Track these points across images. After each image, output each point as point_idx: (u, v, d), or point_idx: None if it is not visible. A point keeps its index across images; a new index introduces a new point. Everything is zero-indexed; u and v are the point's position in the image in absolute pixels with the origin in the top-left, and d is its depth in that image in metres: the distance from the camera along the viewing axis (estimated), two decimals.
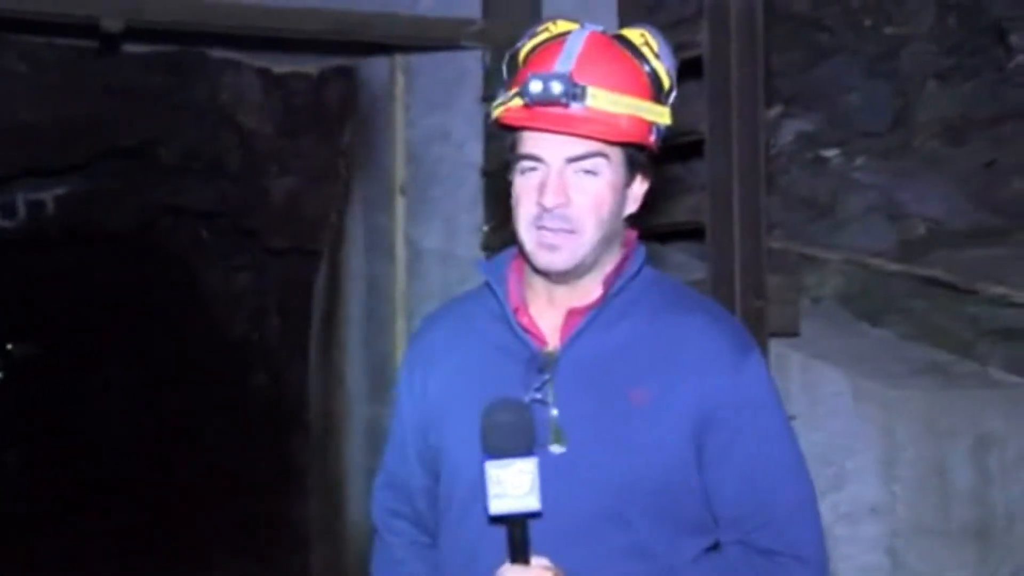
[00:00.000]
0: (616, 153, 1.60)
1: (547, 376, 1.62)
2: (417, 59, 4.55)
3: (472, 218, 4.22)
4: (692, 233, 3.47)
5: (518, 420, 1.55)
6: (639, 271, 1.68)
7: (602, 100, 1.56)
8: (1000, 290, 3.55)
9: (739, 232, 3.11)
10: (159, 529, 8.93)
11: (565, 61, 1.58)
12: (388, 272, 4.75)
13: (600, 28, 1.65)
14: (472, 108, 4.17)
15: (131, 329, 10.76)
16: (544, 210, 1.59)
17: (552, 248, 1.60)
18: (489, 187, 4.05)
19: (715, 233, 3.15)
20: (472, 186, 4.22)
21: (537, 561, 1.55)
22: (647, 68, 1.61)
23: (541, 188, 1.59)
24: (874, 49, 4.63)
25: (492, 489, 1.52)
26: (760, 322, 3.10)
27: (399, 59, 4.65)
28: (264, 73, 5.24)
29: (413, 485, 1.81)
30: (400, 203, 4.68)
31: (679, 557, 1.62)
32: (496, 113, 1.62)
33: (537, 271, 1.66)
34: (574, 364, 1.63)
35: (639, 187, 1.67)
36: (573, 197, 1.59)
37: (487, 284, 1.73)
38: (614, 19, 4.28)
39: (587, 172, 1.59)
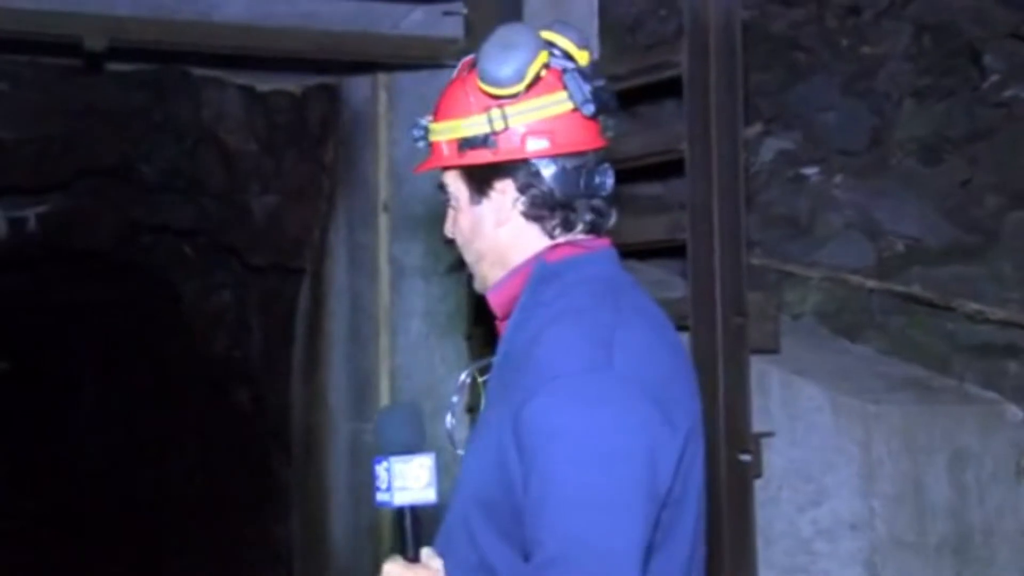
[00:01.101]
0: (452, 178, 1.67)
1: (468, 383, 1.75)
2: (400, 77, 4.58)
3: None
4: (672, 251, 3.51)
5: (409, 420, 1.63)
6: (538, 281, 1.61)
7: (436, 132, 1.66)
8: (976, 307, 3.59)
9: (719, 249, 3.15)
10: (140, 548, 8.88)
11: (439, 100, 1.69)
12: (371, 289, 4.77)
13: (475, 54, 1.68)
14: None
15: (112, 347, 10.71)
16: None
17: (472, 276, 1.72)
18: None
19: (695, 250, 3.18)
20: None
21: (428, 559, 1.58)
22: (477, 80, 1.61)
23: None
24: (851, 69, 4.68)
25: (396, 482, 1.58)
26: (740, 339, 3.13)
27: (382, 77, 4.68)
28: (247, 91, 5.26)
29: None
30: (383, 220, 4.70)
31: None
32: None
33: None
34: (494, 373, 1.66)
35: (501, 197, 1.62)
36: (449, 226, 1.71)
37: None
38: (594, 39, 4.32)
39: (447, 202, 1.70)
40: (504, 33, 1.63)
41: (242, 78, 5.18)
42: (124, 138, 5.29)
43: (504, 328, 1.67)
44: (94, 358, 11.88)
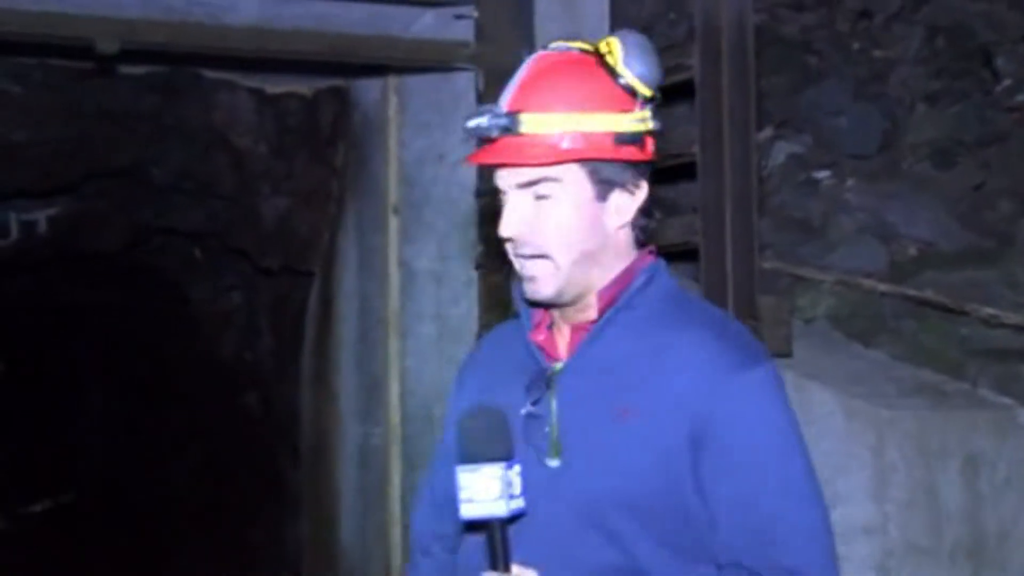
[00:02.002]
0: (570, 171, 1.57)
1: (547, 390, 1.61)
2: (411, 80, 4.58)
3: (465, 239, 4.23)
4: (685, 254, 3.50)
5: (490, 426, 1.55)
6: (646, 285, 1.63)
7: (535, 124, 1.55)
8: (990, 311, 3.58)
9: (731, 253, 3.14)
10: (148, 550, 8.89)
11: (507, 91, 1.60)
12: (381, 292, 4.76)
13: (564, 47, 1.64)
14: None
15: (121, 349, 10.74)
16: (508, 240, 1.61)
17: (531, 279, 1.61)
18: (482, 208, 4.07)
19: (707, 254, 3.17)
20: (465, 207, 4.23)
21: (520, 571, 1.53)
22: (622, 80, 1.58)
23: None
24: (863, 72, 4.67)
25: (461, 494, 1.53)
26: None
27: (393, 80, 4.67)
28: (257, 93, 5.26)
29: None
30: (393, 223, 4.69)
31: None
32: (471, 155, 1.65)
33: None
34: (574, 379, 1.61)
35: (621, 198, 1.61)
36: (534, 224, 1.58)
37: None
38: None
39: (540, 197, 1.58)
40: (633, 35, 1.63)
41: (252, 80, 5.18)
42: (134, 140, 5.30)
43: (586, 330, 1.63)
44: (103, 360, 11.90)
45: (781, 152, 4.50)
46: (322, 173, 5.30)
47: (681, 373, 1.56)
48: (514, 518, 1.54)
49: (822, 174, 4.38)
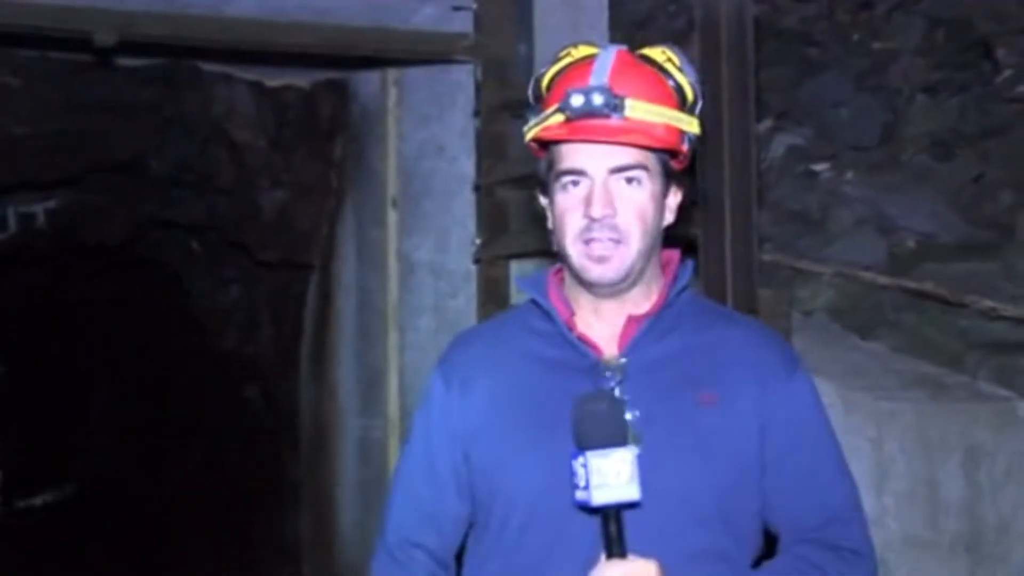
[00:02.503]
0: (654, 163, 1.65)
1: (615, 381, 1.65)
2: (410, 73, 4.57)
3: (464, 232, 4.23)
4: (684, 246, 3.49)
5: (612, 409, 1.56)
6: (687, 284, 1.73)
7: (639, 110, 1.60)
8: (989, 303, 3.58)
9: (730, 245, 3.13)
10: (148, 543, 8.90)
11: (599, 76, 1.62)
12: (380, 285, 4.76)
13: (624, 47, 1.70)
14: (464, 122, 4.18)
15: (121, 342, 10.73)
16: (592, 221, 1.62)
17: (601, 260, 1.64)
18: (481, 201, 4.07)
19: (707, 246, 3.17)
20: (464, 200, 4.23)
21: (635, 558, 1.53)
22: (672, 82, 1.66)
23: (587, 200, 1.63)
24: (863, 64, 4.66)
25: (594, 479, 1.50)
26: None
27: (391, 73, 4.66)
28: (256, 86, 5.25)
29: (443, 510, 1.77)
30: (392, 216, 4.69)
31: (742, 563, 1.67)
32: (534, 132, 1.66)
33: (584, 284, 1.68)
34: (639, 369, 1.66)
35: (673, 198, 1.71)
36: (618, 207, 1.63)
37: (532, 301, 1.74)
38: (604, 34, 4.31)
39: (630, 182, 1.64)
40: (677, 49, 1.72)
41: (251, 73, 5.18)
42: (134, 133, 5.29)
43: (640, 323, 1.68)
44: (103, 353, 11.90)
45: (781, 144, 4.49)
46: (321, 166, 5.29)
47: (747, 369, 1.68)
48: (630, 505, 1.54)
49: (822, 166, 4.37)
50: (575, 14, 4.05)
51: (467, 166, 4.18)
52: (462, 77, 4.14)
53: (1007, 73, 4.48)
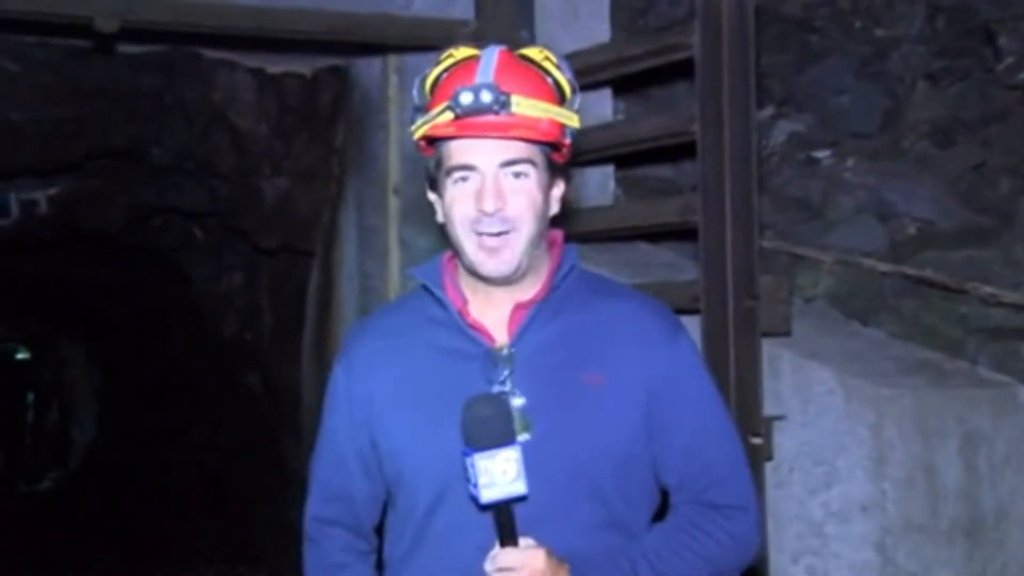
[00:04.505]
0: (539, 157, 1.73)
1: (507, 370, 1.73)
2: (411, 59, 4.57)
3: None
4: (684, 233, 3.50)
5: (498, 412, 1.63)
6: (572, 268, 1.81)
7: (525, 106, 1.67)
8: (989, 290, 3.58)
9: (731, 232, 3.14)
10: (149, 531, 8.92)
11: (485, 74, 1.69)
12: (381, 272, 4.76)
13: (504, 48, 1.76)
14: None
15: (121, 329, 10.75)
16: (484, 214, 1.69)
17: (492, 252, 1.71)
18: None
19: (707, 233, 3.17)
20: None
21: (525, 542, 1.64)
22: (550, 79, 1.75)
23: (479, 195, 1.70)
24: (864, 51, 4.65)
25: (481, 479, 1.60)
26: (752, 322, 3.13)
27: (393, 59, 4.66)
28: (257, 73, 5.25)
29: (354, 493, 1.88)
30: (393, 203, 4.69)
31: (639, 526, 1.78)
32: (423, 131, 1.74)
33: (478, 276, 1.76)
34: (528, 355, 1.75)
35: (558, 190, 1.79)
36: (509, 199, 1.70)
37: (425, 289, 1.82)
38: (606, 21, 4.30)
39: (517, 176, 1.71)
40: (549, 49, 1.80)
41: (252, 60, 5.17)
42: (135, 120, 5.29)
43: (527, 309, 1.77)
44: (103, 340, 11.92)
45: (782, 131, 4.49)
46: (322, 153, 5.29)
47: (629, 342, 1.77)
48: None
49: (822, 153, 4.37)
50: (575, 0, 4.05)
51: None
52: None
53: (1008, 60, 4.46)
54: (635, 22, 4.77)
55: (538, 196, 1.73)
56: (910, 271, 3.74)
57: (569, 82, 1.76)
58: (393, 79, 4.68)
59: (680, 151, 3.58)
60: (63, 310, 11.67)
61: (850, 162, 4.31)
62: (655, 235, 3.85)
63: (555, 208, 1.79)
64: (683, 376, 1.79)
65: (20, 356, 16.54)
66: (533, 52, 1.77)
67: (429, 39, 4.12)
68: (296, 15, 3.94)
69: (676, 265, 3.81)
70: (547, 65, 1.75)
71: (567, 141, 1.75)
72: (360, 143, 5.07)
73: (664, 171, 4.41)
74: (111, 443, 12.18)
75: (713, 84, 3.18)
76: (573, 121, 1.74)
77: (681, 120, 3.35)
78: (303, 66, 5.23)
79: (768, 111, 4.49)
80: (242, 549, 6.91)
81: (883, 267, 3.78)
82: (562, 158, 1.78)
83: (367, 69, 4.95)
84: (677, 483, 1.80)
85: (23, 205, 5.95)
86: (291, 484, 6.02)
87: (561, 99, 1.75)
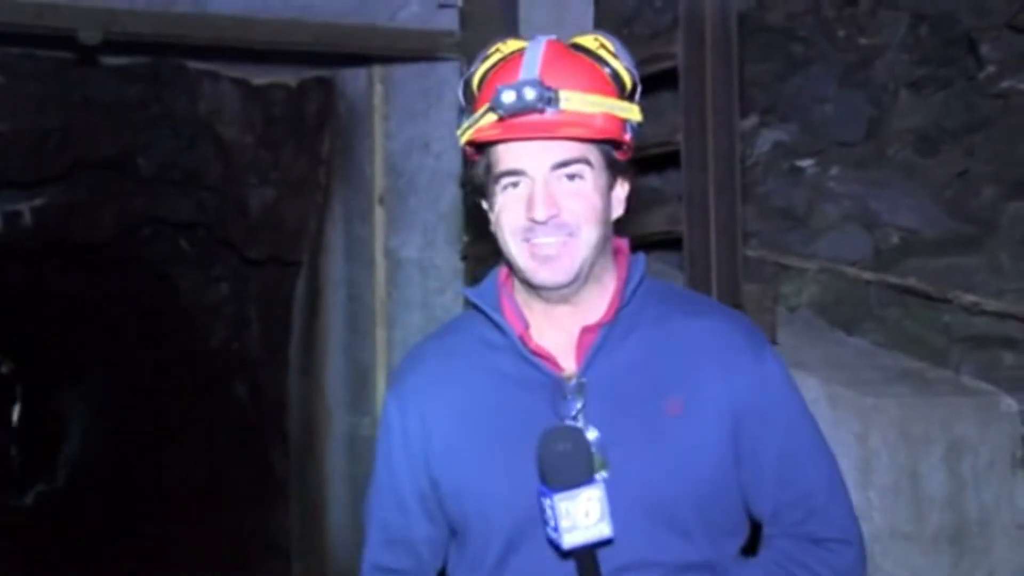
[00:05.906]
0: (596, 156, 1.56)
1: (578, 402, 1.56)
2: (396, 70, 4.57)
3: (451, 228, 4.24)
4: (669, 243, 3.50)
5: (576, 448, 1.50)
6: (642, 280, 1.64)
7: (576, 102, 1.52)
8: (972, 298, 3.59)
9: (715, 242, 3.14)
10: (138, 540, 8.88)
11: (530, 69, 1.53)
12: (368, 282, 4.76)
13: (554, 37, 1.62)
14: (451, 119, 4.18)
15: (109, 340, 10.71)
16: (535, 223, 1.54)
17: (547, 260, 1.55)
18: (468, 197, 4.08)
19: (692, 243, 3.18)
20: (451, 196, 4.24)
21: None
22: (607, 69, 1.58)
23: (529, 202, 1.54)
24: (848, 59, 4.68)
25: (563, 523, 1.47)
26: None
27: (378, 70, 4.67)
28: (243, 84, 5.25)
29: (416, 536, 1.72)
30: (379, 213, 4.69)
31: (726, 560, 1.62)
32: (467, 135, 1.57)
33: (533, 288, 1.60)
34: (599, 384, 1.58)
35: (621, 190, 1.63)
36: (564, 204, 1.54)
37: (482, 312, 1.65)
38: (589, 30, 4.31)
39: (572, 178, 1.55)
40: (612, 35, 1.64)
41: (238, 71, 5.17)
42: (121, 131, 5.28)
43: (595, 332, 1.59)
44: (91, 351, 11.87)
45: (766, 140, 4.50)
46: (308, 163, 5.29)
47: (710, 361, 1.60)
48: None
49: (807, 162, 4.38)
50: (560, 11, 4.06)
51: (454, 162, 4.19)
52: (448, 74, 4.14)
53: (991, 69, 4.49)
54: (620, 31, 4.78)
55: (596, 199, 1.55)
56: (894, 280, 3.75)
57: (629, 71, 1.58)
58: (379, 89, 4.69)
59: (664, 161, 3.58)
60: (49, 322, 11.62)
61: (834, 171, 4.33)
62: (641, 245, 3.86)
63: (619, 211, 1.62)
64: (770, 396, 1.61)
65: (3, 369, 16.46)
66: (587, 40, 1.60)
67: (414, 50, 4.13)
68: (281, 26, 3.94)
69: (662, 275, 3.81)
70: (603, 54, 1.58)
71: (628, 137, 1.58)
72: (346, 153, 5.07)
73: (652, 181, 4.42)
74: (99, 453, 12.12)
75: (697, 93, 3.19)
76: (634, 114, 1.57)
77: (665, 130, 3.36)
78: (289, 77, 5.24)
79: (752, 120, 4.50)
80: (230, 558, 6.88)
81: (867, 276, 3.79)
82: (624, 155, 1.60)
83: (353, 80, 4.96)
84: (771, 514, 1.63)
85: (7, 217, 5.93)
86: (279, 492, 6.01)
87: (621, 90, 1.58)
